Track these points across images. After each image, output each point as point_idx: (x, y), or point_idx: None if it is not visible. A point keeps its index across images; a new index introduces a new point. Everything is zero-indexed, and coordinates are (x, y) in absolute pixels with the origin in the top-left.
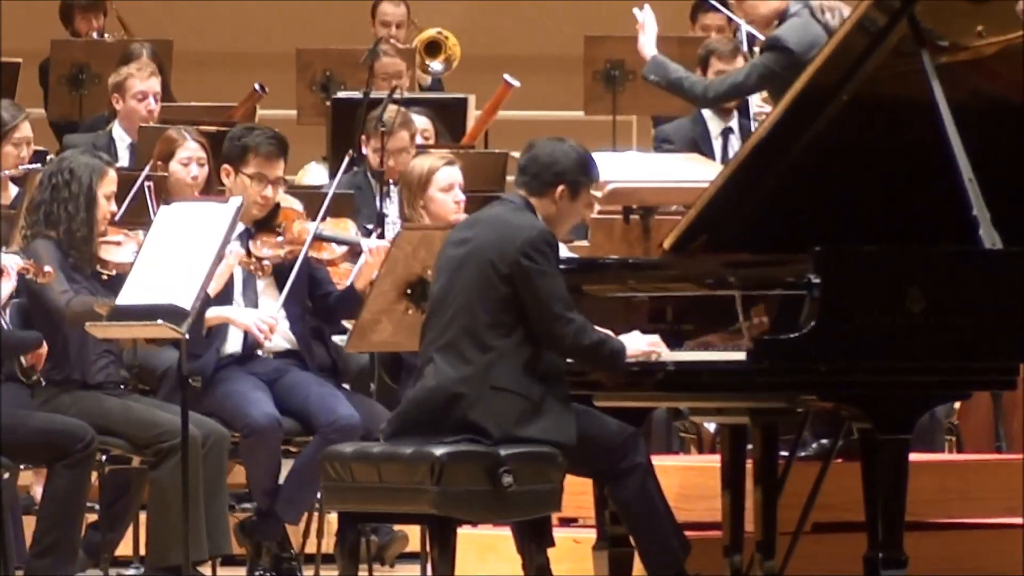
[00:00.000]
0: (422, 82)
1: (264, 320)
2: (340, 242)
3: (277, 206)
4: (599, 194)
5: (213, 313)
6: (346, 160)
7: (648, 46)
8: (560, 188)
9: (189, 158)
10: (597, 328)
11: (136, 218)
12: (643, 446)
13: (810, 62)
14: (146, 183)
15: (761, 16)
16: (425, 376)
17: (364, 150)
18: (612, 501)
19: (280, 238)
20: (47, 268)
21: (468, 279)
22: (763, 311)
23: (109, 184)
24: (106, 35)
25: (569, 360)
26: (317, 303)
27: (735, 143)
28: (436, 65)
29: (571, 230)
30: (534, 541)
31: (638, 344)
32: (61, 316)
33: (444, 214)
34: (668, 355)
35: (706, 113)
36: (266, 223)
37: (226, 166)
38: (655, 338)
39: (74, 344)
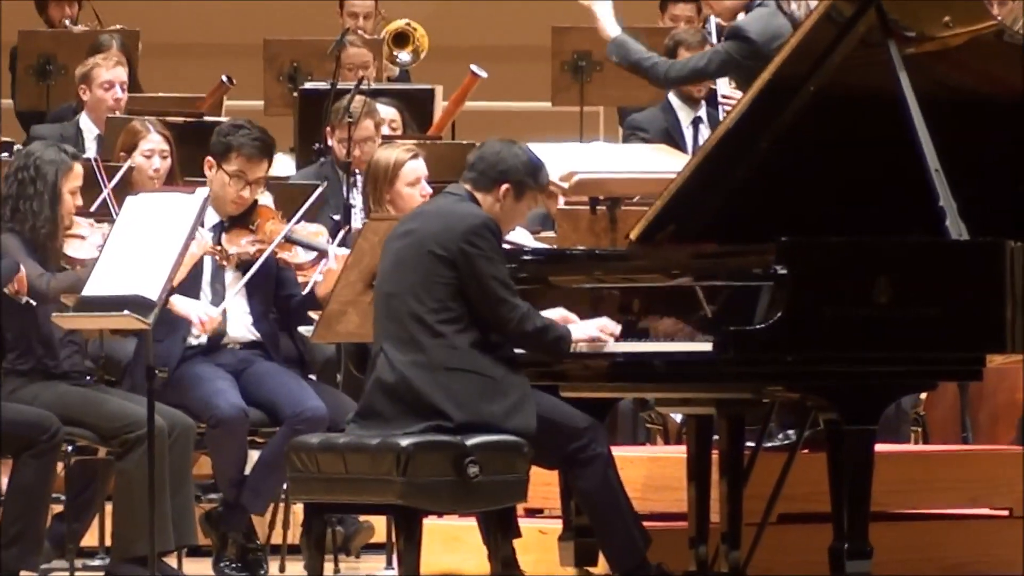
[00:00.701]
0: (389, 73)
1: (206, 312)
2: (307, 247)
3: (255, 204)
4: (566, 185)
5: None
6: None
7: (609, 26)
8: (505, 187)
9: (152, 150)
10: (542, 315)
11: (102, 208)
12: (604, 436)
13: (772, 53)
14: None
15: (726, 8)
16: (378, 367)
17: (330, 141)
18: (573, 490)
19: (252, 235)
20: (15, 284)
21: (413, 268)
22: (730, 302)
23: (74, 179)
24: (78, 24)
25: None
26: (280, 304)
27: (705, 132)
28: (404, 56)
29: (539, 221)
30: (500, 531)
31: (586, 330)
32: (45, 298)
33: (411, 208)
34: (628, 347)
35: (675, 102)
36: (241, 219)
37: (209, 158)
38: (603, 321)
39: (40, 334)
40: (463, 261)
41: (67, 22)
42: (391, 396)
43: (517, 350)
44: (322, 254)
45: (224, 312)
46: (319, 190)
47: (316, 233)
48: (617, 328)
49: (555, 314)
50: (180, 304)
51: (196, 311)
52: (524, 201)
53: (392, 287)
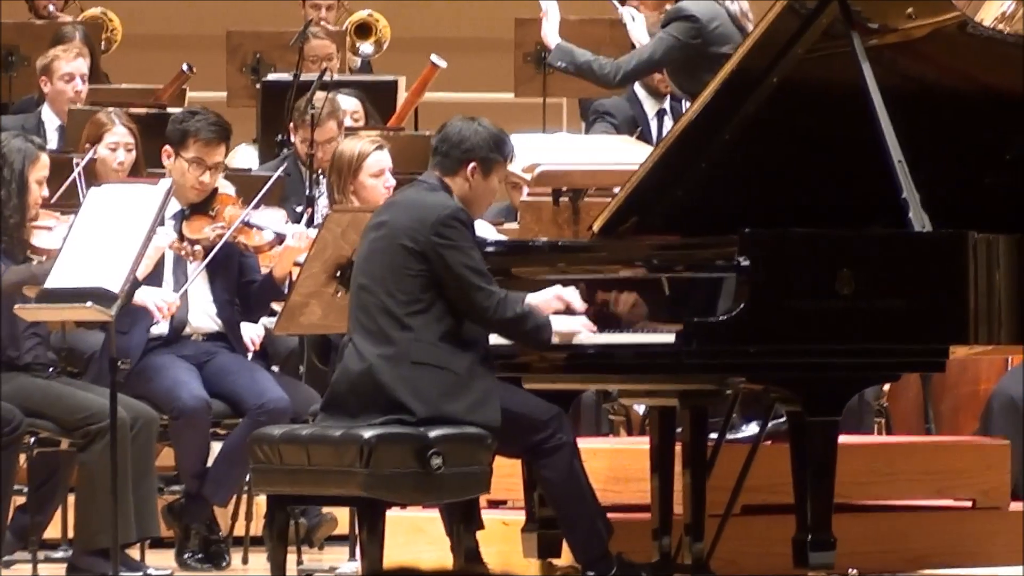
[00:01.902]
0: (352, 64)
1: (165, 299)
2: (267, 230)
3: (215, 190)
4: (528, 176)
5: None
6: (280, 146)
7: (552, 34)
8: (471, 165)
9: (117, 143)
10: (520, 302)
11: (66, 200)
12: (568, 426)
13: (715, 33)
14: (77, 165)
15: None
16: (346, 358)
17: (293, 139)
18: (537, 480)
19: (212, 222)
20: None
21: (384, 261)
22: (693, 293)
23: (41, 169)
24: (63, 14)
25: (499, 338)
26: (242, 291)
27: (669, 124)
28: (366, 47)
29: (501, 212)
30: (463, 523)
31: (566, 322)
32: None
33: (375, 200)
34: (591, 339)
35: (641, 94)
36: (201, 206)
37: (167, 147)
38: (583, 318)
39: (2, 326)
40: (434, 254)
41: (51, 7)
42: (357, 387)
43: (497, 340)
44: (281, 236)
45: (186, 298)
46: (277, 175)
47: (275, 218)
48: (575, 297)
49: (576, 321)
50: (137, 294)
51: (152, 299)
52: (493, 177)
53: (364, 279)
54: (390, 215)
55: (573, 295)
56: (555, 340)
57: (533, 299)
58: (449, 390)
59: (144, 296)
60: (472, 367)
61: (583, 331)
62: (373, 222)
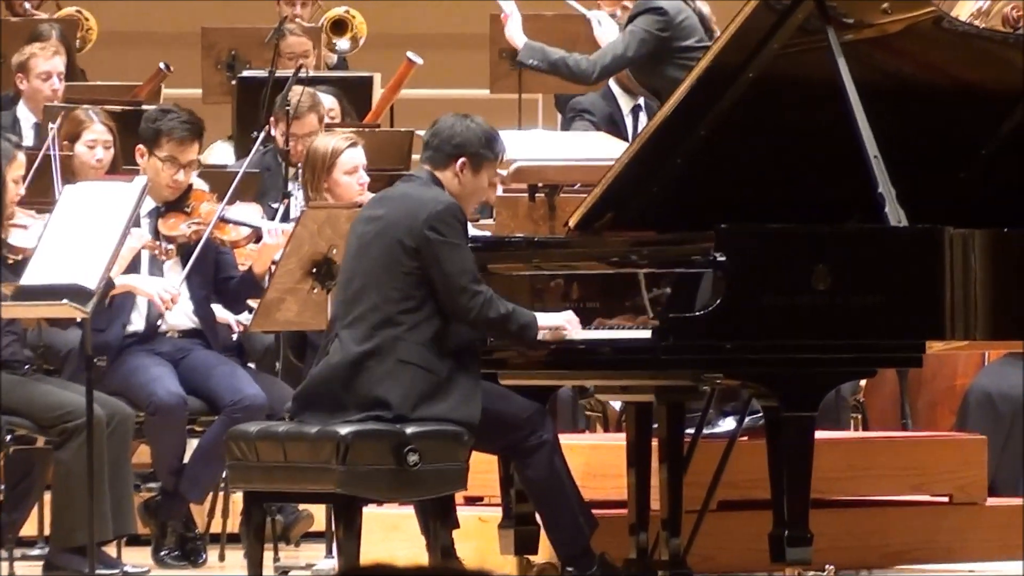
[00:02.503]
0: (328, 61)
1: (167, 290)
2: (243, 225)
3: (189, 187)
4: (504, 172)
5: (118, 282)
6: (259, 139)
7: (516, 34)
8: (461, 161)
9: (95, 140)
10: (506, 301)
11: (41, 197)
12: (549, 423)
13: (682, 26)
14: (53, 162)
15: None
16: (330, 352)
17: (272, 132)
18: (518, 478)
19: (188, 218)
20: None
21: (376, 256)
22: (669, 289)
23: (17, 168)
24: (39, 12)
25: (484, 336)
26: (220, 286)
27: (645, 120)
28: (342, 43)
29: (477, 209)
30: (439, 520)
31: (552, 319)
32: None
33: (349, 197)
34: (581, 335)
35: (616, 90)
36: (176, 203)
37: (140, 146)
38: (569, 314)
39: None
40: (426, 248)
41: (27, 5)
42: (337, 380)
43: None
44: (257, 231)
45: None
46: (243, 169)
47: (251, 213)
48: (579, 325)
49: (561, 318)
50: (141, 284)
51: (156, 290)
52: (483, 174)
53: (354, 272)
54: (384, 210)
55: (577, 326)
56: (545, 336)
57: (542, 319)
58: (431, 391)
59: (147, 287)
60: (456, 369)
61: (569, 327)
62: (364, 215)
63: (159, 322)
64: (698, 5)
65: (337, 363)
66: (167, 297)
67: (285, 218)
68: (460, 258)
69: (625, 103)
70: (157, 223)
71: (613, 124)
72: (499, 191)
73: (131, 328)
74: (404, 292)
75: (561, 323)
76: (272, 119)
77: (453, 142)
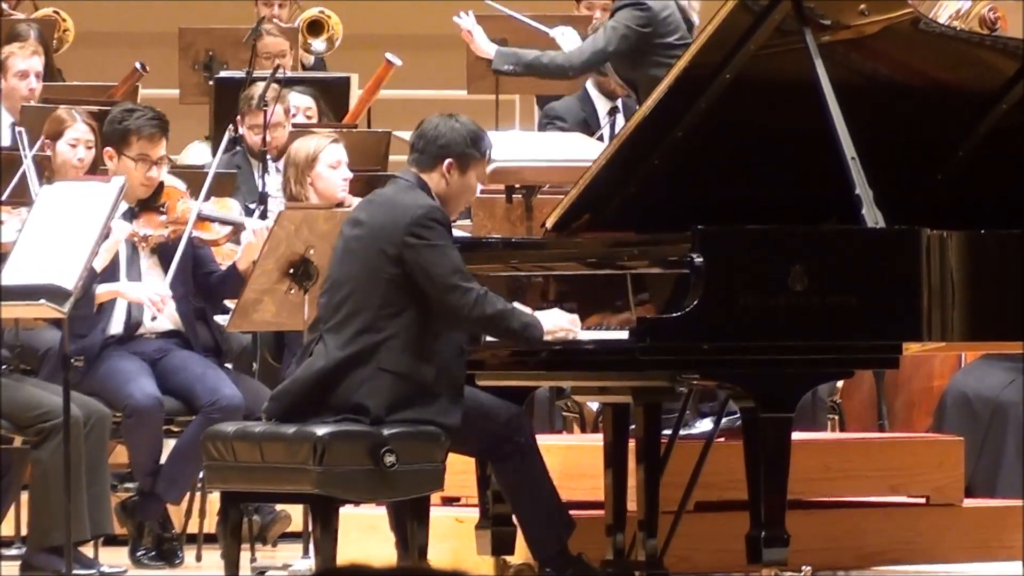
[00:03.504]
0: (305, 61)
1: (157, 292)
2: (223, 222)
3: (161, 185)
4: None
5: (104, 289)
6: (225, 138)
7: (484, 44)
8: (447, 162)
9: (77, 140)
10: (502, 299)
11: (19, 197)
12: (527, 425)
13: (666, 23)
14: (31, 160)
15: None
16: (314, 355)
17: (241, 129)
18: (496, 480)
19: (163, 217)
20: None
21: (359, 261)
22: (646, 290)
23: None
24: (16, 12)
25: (479, 336)
26: (200, 282)
27: (621, 121)
28: (318, 44)
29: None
30: (415, 520)
31: (557, 320)
32: None
33: (331, 190)
34: (583, 335)
35: (592, 92)
36: (149, 202)
37: (108, 149)
38: (575, 317)
39: None
40: (409, 254)
41: (4, 5)
42: (318, 387)
43: (487, 338)
44: (238, 227)
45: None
46: (214, 164)
47: (228, 208)
48: (579, 327)
49: (564, 318)
50: (128, 290)
51: (147, 294)
52: (471, 173)
53: (339, 276)
54: (367, 214)
55: (578, 329)
56: (549, 338)
57: (546, 320)
58: (410, 398)
59: (136, 292)
60: (438, 376)
61: (572, 328)
62: (352, 218)
63: (140, 326)
64: (681, 2)
65: (319, 368)
66: (157, 300)
67: (263, 216)
68: (446, 258)
69: (602, 105)
70: (133, 223)
71: (586, 128)
72: (477, 191)
73: (111, 331)
74: (386, 299)
75: (566, 324)
76: (240, 117)
77: (439, 143)
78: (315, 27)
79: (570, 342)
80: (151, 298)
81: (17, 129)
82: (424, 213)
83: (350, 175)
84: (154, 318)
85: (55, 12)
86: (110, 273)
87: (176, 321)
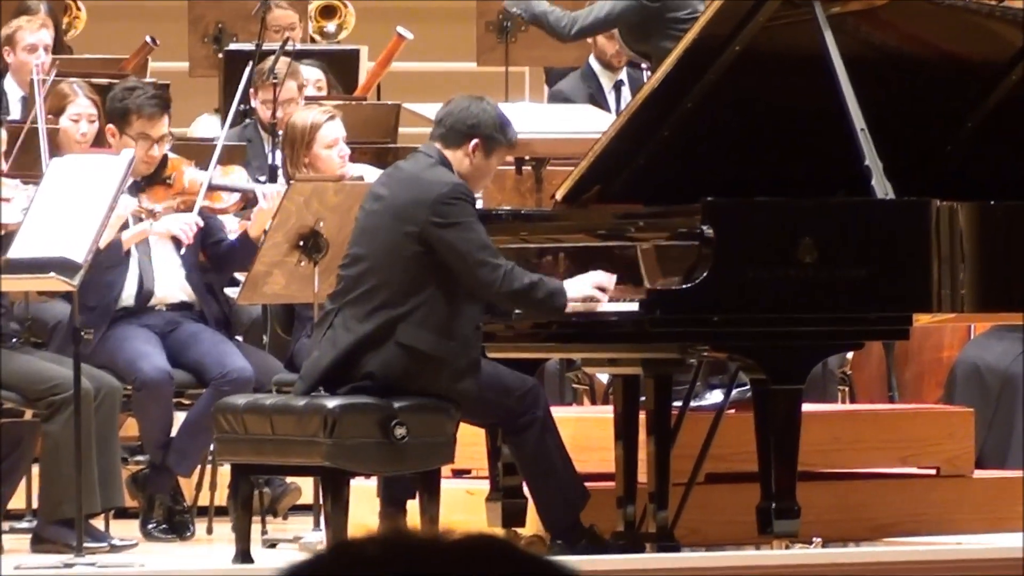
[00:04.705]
0: (315, 35)
1: (187, 223)
2: (234, 190)
3: (164, 158)
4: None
5: (130, 233)
6: (232, 112)
7: None
8: (474, 142)
9: (79, 114)
10: (528, 272)
11: (28, 170)
12: (543, 398)
13: None
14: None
15: None
16: (335, 329)
17: (253, 102)
18: (511, 453)
19: (171, 190)
20: None
21: (381, 238)
22: (656, 262)
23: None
24: None
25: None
26: (210, 251)
27: (627, 96)
28: (330, 26)
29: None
30: (426, 493)
31: (580, 287)
32: None
33: (331, 170)
34: (608, 305)
35: (596, 67)
36: (155, 176)
37: (111, 126)
38: (599, 274)
39: None
40: (435, 233)
41: None
42: (345, 361)
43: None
44: (247, 194)
45: (151, 268)
46: (222, 139)
47: (237, 176)
48: (611, 281)
49: (588, 282)
50: (156, 227)
51: (177, 226)
52: (493, 158)
53: (361, 250)
54: (389, 190)
55: (610, 281)
56: (577, 307)
57: (570, 288)
58: (426, 375)
59: (165, 225)
60: (456, 353)
61: (598, 294)
62: (373, 192)
63: (152, 296)
64: None
65: (343, 342)
66: (188, 229)
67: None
68: (473, 234)
69: (606, 80)
70: (140, 199)
71: (594, 105)
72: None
73: (122, 303)
74: (407, 275)
75: (589, 290)
76: (252, 90)
77: (468, 123)
78: (328, 11)
79: (580, 313)
80: (181, 228)
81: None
82: (449, 191)
83: (348, 151)
84: (186, 246)
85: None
86: (118, 246)
87: (188, 293)
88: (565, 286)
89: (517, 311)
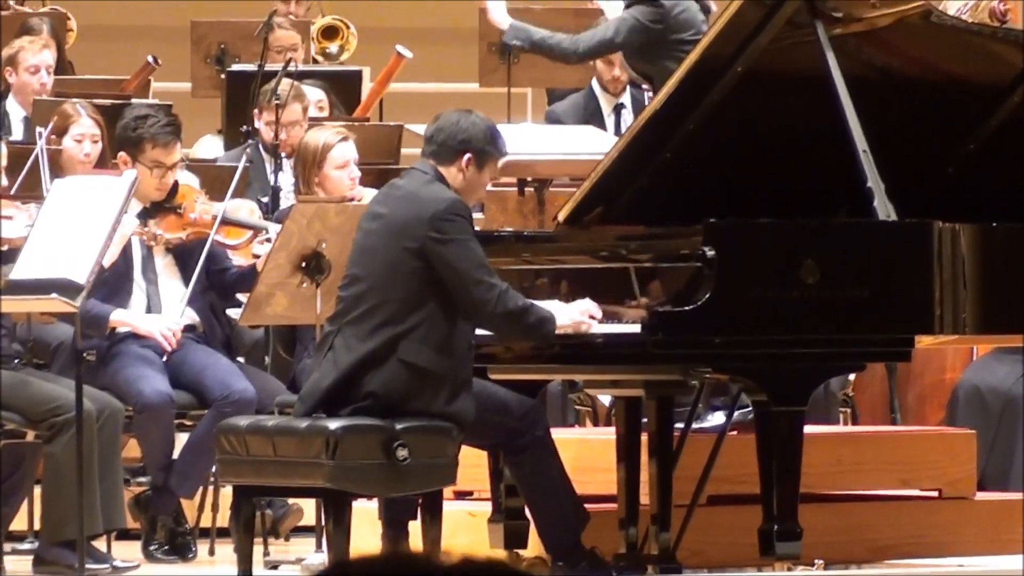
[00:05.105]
0: (317, 56)
1: (169, 327)
2: (246, 226)
3: (175, 184)
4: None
5: (117, 318)
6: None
7: (500, 16)
8: (466, 157)
9: (83, 135)
10: (521, 296)
11: (30, 191)
12: (543, 418)
13: (679, 19)
14: (42, 155)
15: None
16: (336, 350)
17: (257, 123)
18: (511, 473)
19: (182, 220)
20: None
21: (381, 255)
22: (659, 284)
23: (1, 160)
24: (23, 5)
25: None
26: (214, 279)
27: (627, 118)
28: (332, 48)
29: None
30: (428, 515)
31: (569, 313)
32: None
33: (340, 191)
34: (597, 328)
35: (597, 89)
36: (164, 203)
37: (122, 154)
38: (586, 303)
39: None
40: (432, 249)
41: (11, 2)
42: (346, 382)
43: (488, 332)
44: (258, 231)
45: (157, 293)
46: (241, 166)
47: (250, 211)
48: (598, 311)
49: (577, 309)
50: (140, 324)
51: (158, 328)
52: (486, 171)
53: (360, 269)
54: (387, 208)
55: (597, 311)
56: (568, 332)
57: (559, 314)
58: (426, 391)
59: (149, 326)
60: (456, 369)
61: (587, 320)
62: (371, 211)
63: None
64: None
65: (343, 363)
66: (169, 335)
67: (274, 208)
68: (471, 252)
69: (607, 102)
70: (148, 224)
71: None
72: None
73: (123, 330)
74: (408, 292)
75: (579, 316)
76: (256, 111)
77: (459, 138)
78: (330, 32)
79: (582, 335)
80: (163, 332)
81: (38, 130)
82: (446, 207)
83: (358, 174)
84: (166, 355)
85: (53, 9)
86: (125, 273)
87: (191, 315)
88: (554, 313)
89: (502, 334)
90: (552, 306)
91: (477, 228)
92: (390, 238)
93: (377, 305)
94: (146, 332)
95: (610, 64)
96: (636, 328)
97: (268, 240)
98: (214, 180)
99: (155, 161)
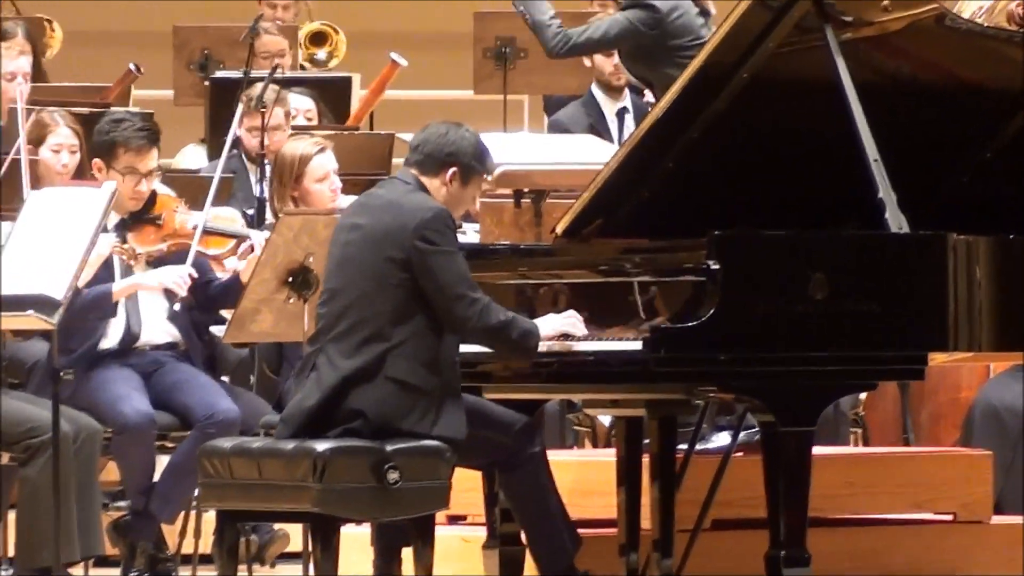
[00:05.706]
0: (305, 62)
1: (180, 276)
2: (228, 235)
3: (153, 195)
4: (488, 177)
5: (120, 286)
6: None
7: None
8: (452, 170)
9: (60, 145)
10: (505, 309)
11: (7, 203)
12: (538, 436)
13: (674, 24)
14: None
15: None
16: (319, 369)
17: (239, 131)
18: (504, 492)
19: (160, 231)
20: None
21: (363, 267)
22: (662, 299)
23: None
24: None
25: (477, 347)
26: (199, 292)
27: (631, 122)
28: (321, 54)
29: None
30: (420, 540)
31: (553, 324)
32: None
33: (321, 205)
34: (583, 345)
35: (598, 94)
36: (142, 214)
37: (97, 161)
38: (571, 314)
39: None
40: (417, 258)
41: None
42: (330, 402)
43: (477, 348)
44: (242, 239)
45: (137, 310)
46: (217, 174)
47: (231, 219)
48: (580, 321)
49: (560, 322)
50: (146, 280)
51: (171, 278)
52: (471, 186)
53: (340, 283)
54: (367, 218)
55: (579, 319)
56: (552, 346)
57: (543, 326)
58: (416, 409)
59: (157, 278)
60: (444, 385)
61: (571, 329)
62: (347, 223)
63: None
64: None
65: (327, 383)
66: (181, 282)
67: (260, 221)
68: (455, 265)
69: (609, 107)
70: (126, 237)
71: (595, 134)
72: (482, 195)
73: (105, 345)
74: (395, 305)
75: (563, 329)
76: (238, 117)
77: (446, 151)
78: (318, 38)
79: (581, 353)
80: (175, 281)
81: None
82: (434, 216)
83: (339, 185)
84: (180, 300)
85: (38, 17)
86: (108, 301)
87: (173, 333)
88: (538, 326)
89: (487, 347)
90: (539, 319)
91: (472, 241)
92: (372, 249)
93: (361, 320)
94: (154, 284)
95: (609, 55)
96: (638, 345)
97: (252, 249)
98: (196, 190)
99: (128, 167)
